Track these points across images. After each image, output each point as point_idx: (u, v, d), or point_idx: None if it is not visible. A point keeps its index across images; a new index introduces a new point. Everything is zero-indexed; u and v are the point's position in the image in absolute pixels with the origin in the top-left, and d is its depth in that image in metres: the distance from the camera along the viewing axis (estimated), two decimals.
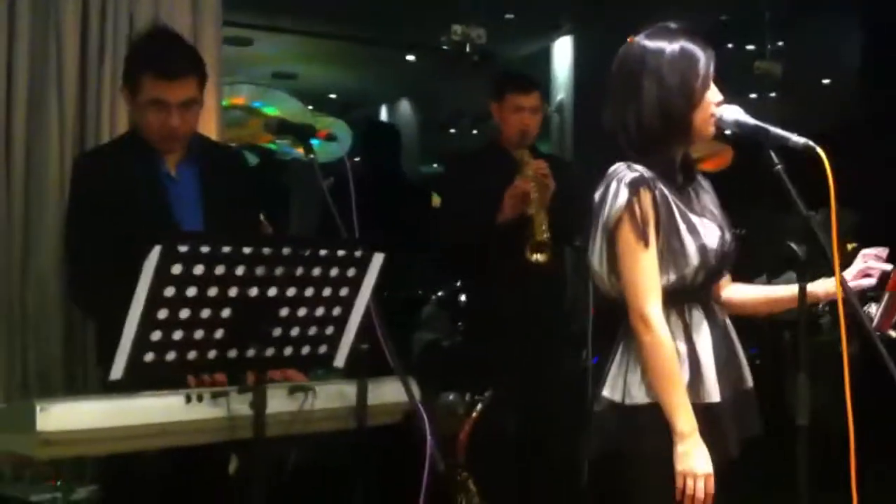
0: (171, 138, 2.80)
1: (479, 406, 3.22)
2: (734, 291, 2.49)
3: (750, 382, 2.40)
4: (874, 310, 2.61)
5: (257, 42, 8.65)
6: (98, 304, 2.69)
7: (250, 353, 2.22)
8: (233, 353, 2.21)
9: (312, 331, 2.31)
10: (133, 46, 2.93)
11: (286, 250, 2.18)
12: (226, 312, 2.14)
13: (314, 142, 2.81)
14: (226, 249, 2.08)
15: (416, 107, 11.64)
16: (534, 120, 3.92)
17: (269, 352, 2.25)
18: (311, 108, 9.03)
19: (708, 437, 2.21)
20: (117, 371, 2.06)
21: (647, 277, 2.23)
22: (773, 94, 7.62)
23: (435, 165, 10.99)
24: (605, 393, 2.32)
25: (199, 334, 2.13)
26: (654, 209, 2.24)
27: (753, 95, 7.51)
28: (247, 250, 2.11)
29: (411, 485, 2.34)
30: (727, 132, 2.30)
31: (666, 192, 2.27)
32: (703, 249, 2.27)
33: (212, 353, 2.18)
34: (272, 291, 2.18)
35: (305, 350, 2.32)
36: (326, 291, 2.28)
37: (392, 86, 11.27)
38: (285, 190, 6.87)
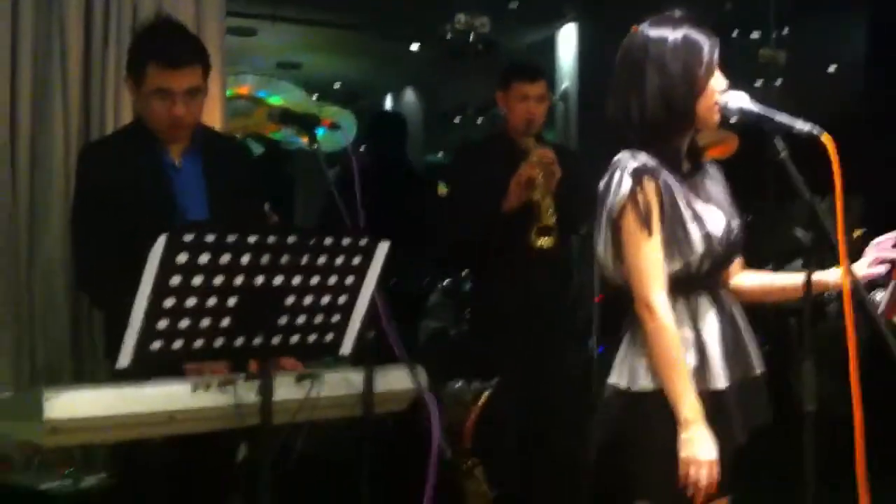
0: (175, 127, 2.80)
1: (486, 394, 3.22)
2: (745, 279, 2.49)
3: (759, 370, 2.40)
4: (879, 297, 2.61)
5: (261, 32, 8.63)
6: (106, 294, 2.70)
7: (257, 341, 2.23)
8: (239, 342, 2.21)
9: (318, 319, 2.31)
10: (137, 36, 2.94)
11: (291, 239, 2.18)
12: (232, 301, 2.15)
13: (318, 131, 2.81)
14: (231, 238, 2.09)
15: (421, 96, 11.62)
16: (539, 108, 3.92)
17: (276, 340, 2.26)
18: (315, 97, 9.03)
19: (714, 423, 2.21)
20: (124, 359, 2.07)
21: (650, 265, 2.23)
22: (778, 82, 7.60)
23: (440, 154, 10.98)
24: (612, 380, 2.33)
25: (205, 323, 2.14)
26: (657, 198, 2.24)
27: (758, 83, 7.48)
28: (252, 239, 2.11)
29: (418, 472, 2.35)
30: (732, 120, 2.29)
31: (670, 180, 2.27)
32: (707, 237, 2.27)
33: (218, 342, 2.18)
34: (278, 280, 2.19)
35: (311, 338, 2.33)
36: (332, 280, 2.29)
37: (397, 75, 11.26)
38: (290, 180, 6.88)
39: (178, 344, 2.12)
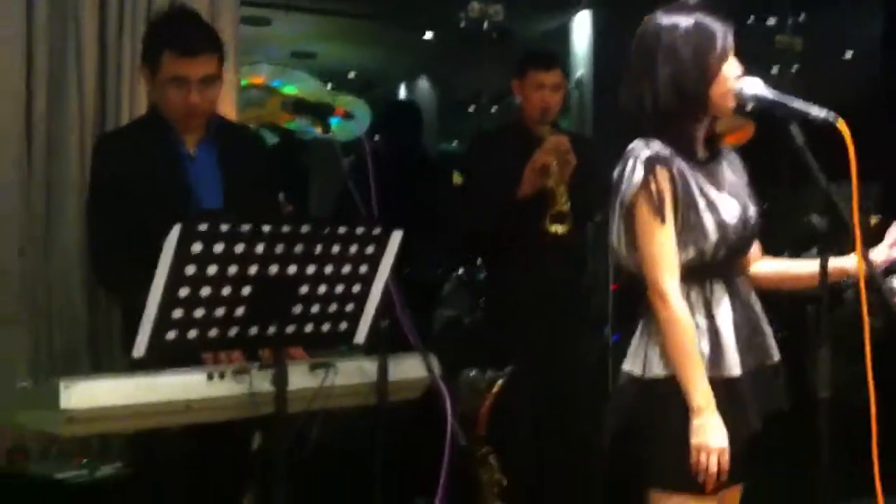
0: (191, 115, 2.80)
1: (500, 381, 3.22)
2: (764, 266, 2.48)
3: (776, 357, 2.40)
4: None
5: (275, 21, 8.62)
6: (122, 285, 2.71)
7: (271, 330, 2.24)
8: (254, 331, 2.22)
9: (332, 308, 2.32)
10: (152, 25, 2.94)
11: (305, 228, 2.19)
12: (246, 290, 2.15)
13: (332, 120, 2.81)
14: (245, 228, 2.09)
15: (435, 85, 11.60)
16: (555, 97, 3.90)
17: (290, 329, 2.27)
18: (330, 86, 9.03)
19: (728, 411, 2.21)
20: (140, 349, 2.08)
21: (663, 253, 2.23)
22: (794, 69, 7.55)
23: (454, 144, 10.96)
24: (626, 367, 2.34)
25: (220, 312, 2.14)
26: (670, 186, 2.23)
27: (775, 70, 7.44)
28: (266, 228, 2.12)
29: (432, 460, 2.35)
30: (748, 107, 2.28)
31: (684, 168, 2.26)
32: (721, 225, 2.26)
33: (233, 331, 2.19)
34: (292, 269, 2.20)
35: (326, 327, 2.33)
36: (346, 269, 2.29)
37: (410, 64, 11.24)
38: (304, 169, 6.89)
39: (192, 333, 2.13)
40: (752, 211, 2.35)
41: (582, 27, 8.37)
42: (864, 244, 2.14)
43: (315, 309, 2.29)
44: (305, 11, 8.49)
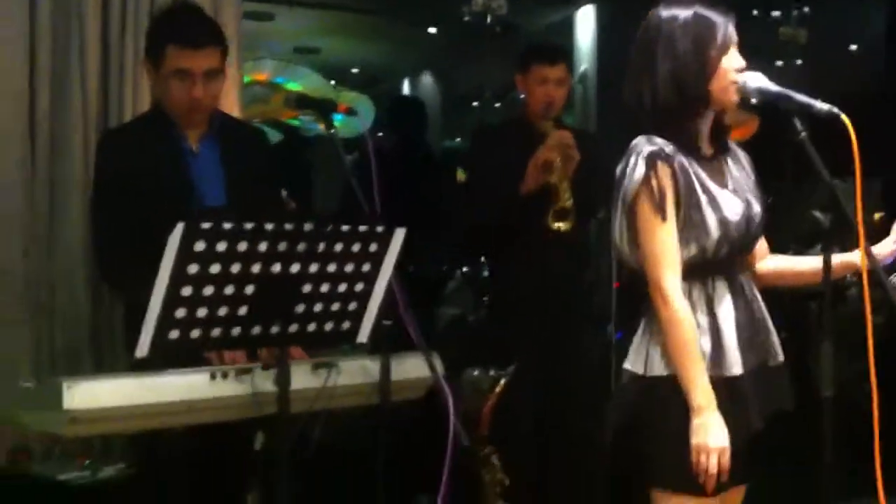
0: (194, 109, 2.80)
1: (503, 381, 3.22)
2: (769, 263, 2.47)
3: (780, 357, 2.38)
4: None
5: (278, 16, 8.62)
6: (126, 282, 2.71)
7: (274, 329, 2.23)
8: (257, 330, 2.22)
9: (335, 307, 2.32)
10: (155, 19, 2.95)
11: (308, 226, 2.18)
12: (249, 289, 2.15)
13: (335, 117, 2.80)
14: (248, 226, 2.09)
15: (438, 80, 11.60)
16: (559, 92, 3.88)
17: (293, 328, 2.26)
18: (333, 82, 9.02)
19: (729, 410, 2.20)
20: (143, 349, 2.08)
21: (664, 250, 2.22)
22: (798, 61, 7.54)
23: (457, 140, 10.95)
24: (628, 365, 2.32)
25: (223, 311, 2.14)
26: (672, 182, 2.22)
27: (779, 62, 7.43)
28: (269, 227, 2.12)
29: (434, 460, 2.35)
30: (752, 101, 2.27)
31: (686, 164, 2.25)
32: (723, 222, 2.25)
33: (236, 330, 2.19)
34: (295, 268, 2.19)
35: (329, 326, 2.33)
36: (349, 267, 2.29)
37: (414, 59, 11.23)
38: (308, 166, 6.89)
39: (195, 333, 2.12)
40: (757, 209, 2.34)
41: (586, 21, 8.36)
42: (867, 240, 2.13)
43: (318, 308, 2.28)
44: (308, 6, 8.49)
